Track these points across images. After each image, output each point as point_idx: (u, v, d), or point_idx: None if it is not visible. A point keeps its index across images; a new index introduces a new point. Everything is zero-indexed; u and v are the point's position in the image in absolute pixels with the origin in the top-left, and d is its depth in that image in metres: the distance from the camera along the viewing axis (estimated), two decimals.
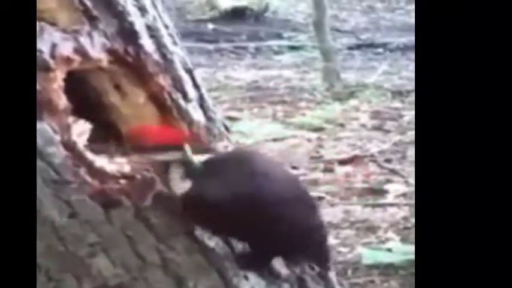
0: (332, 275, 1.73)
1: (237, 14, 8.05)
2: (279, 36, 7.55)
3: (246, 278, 1.56)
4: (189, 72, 1.68)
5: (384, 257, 2.92)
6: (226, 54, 7.06)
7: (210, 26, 7.87)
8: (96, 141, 1.59)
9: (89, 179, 1.47)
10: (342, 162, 4.08)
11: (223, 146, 1.67)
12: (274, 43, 7.31)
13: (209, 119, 1.68)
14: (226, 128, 1.74)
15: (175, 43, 1.67)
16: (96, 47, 1.54)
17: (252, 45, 7.28)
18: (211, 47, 7.17)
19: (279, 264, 1.63)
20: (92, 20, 1.54)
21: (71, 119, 1.50)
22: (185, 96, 1.64)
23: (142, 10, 1.63)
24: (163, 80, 1.61)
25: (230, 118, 4.82)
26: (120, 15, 1.58)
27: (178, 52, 1.67)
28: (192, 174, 1.48)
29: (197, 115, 1.65)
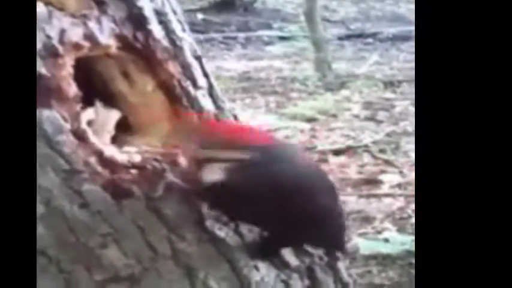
0: (341, 265, 1.72)
1: (226, 4, 8.04)
2: (269, 27, 7.54)
3: (256, 268, 1.55)
4: (198, 59, 1.65)
5: (381, 248, 2.92)
6: (216, 44, 7.04)
7: (200, 16, 7.85)
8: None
9: (99, 168, 1.45)
10: (336, 153, 4.08)
11: None
12: (264, 33, 7.30)
13: (218, 107, 1.66)
14: (235, 117, 1.72)
15: (183, 29, 1.64)
16: (105, 32, 1.51)
17: (242, 35, 7.27)
18: (201, 37, 7.13)
19: (288, 254, 1.63)
20: (101, 4, 1.52)
21: (80, 106, 1.48)
22: (195, 83, 1.62)
23: None
24: (173, 67, 1.59)
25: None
26: (128, 0, 1.55)
27: (187, 39, 1.64)
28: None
29: (206, 103, 1.62)
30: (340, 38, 7.07)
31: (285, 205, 1.46)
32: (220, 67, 6.12)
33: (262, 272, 1.56)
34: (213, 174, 1.43)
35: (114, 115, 1.58)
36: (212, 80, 1.67)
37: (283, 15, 7.86)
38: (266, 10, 8.14)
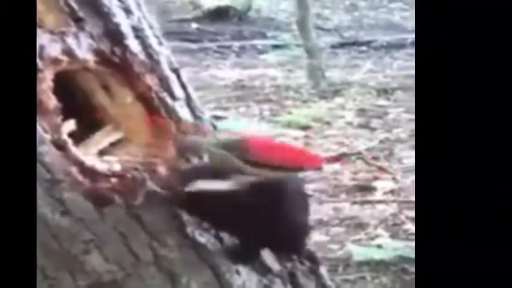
0: (323, 270, 1.74)
1: (220, 14, 8.05)
2: (263, 35, 7.56)
3: (238, 273, 1.58)
4: (175, 71, 1.70)
5: (374, 254, 2.93)
6: (210, 53, 7.06)
7: (194, 25, 7.86)
8: (84, 140, 1.59)
9: (80, 177, 1.48)
10: (330, 160, 4.09)
11: None
12: (258, 42, 7.32)
13: (197, 117, 1.70)
14: (214, 127, 1.76)
15: (160, 43, 1.69)
16: (83, 47, 1.55)
17: (236, 44, 7.29)
18: (195, 46, 7.16)
19: (270, 259, 1.64)
20: (78, 21, 1.56)
21: (60, 118, 1.51)
22: (172, 95, 1.66)
23: (127, 11, 1.65)
24: (150, 80, 1.63)
25: (216, 117, 4.82)
26: (105, 17, 1.60)
27: (164, 52, 1.69)
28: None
29: (184, 114, 1.67)
30: (334, 46, 7.08)
31: (249, 209, 1.47)
32: (214, 76, 6.14)
33: (244, 276, 1.59)
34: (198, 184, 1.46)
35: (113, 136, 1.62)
36: (190, 90, 1.71)
37: (276, 24, 7.88)
38: (260, 19, 8.15)
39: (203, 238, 1.58)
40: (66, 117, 1.52)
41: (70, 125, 1.55)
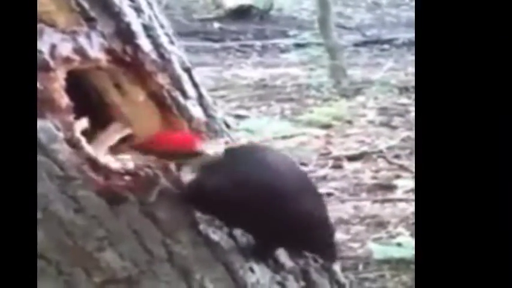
0: (336, 267, 1.75)
1: (242, 13, 8.06)
2: (285, 34, 7.55)
3: (251, 270, 1.59)
4: (187, 71, 1.71)
5: (395, 252, 2.93)
6: (232, 52, 7.07)
7: (216, 24, 7.88)
8: (96, 138, 1.61)
9: (93, 175, 1.49)
10: (351, 159, 4.09)
11: (224, 143, 1.68)
12: (280, 41, 7.32)
13: (209, 116, 1.71)
14: (227, 125, 1.77)
15: (172, 42, 1.70)
16: (95, 47, 1.56)
17: (258, 43, 7.29)
18: (217, 45, 7.17)
19: (283, 256, 1.65)
20: (90, 21, 1.57)
21: (73, 116, 1.52)
22: (184, 94, 1.67)
23: (138, 10, 1.66)
24: (162, 79, 1.64)
25: (238, 116, 4.84)
26: (116, 16, 1.61)
27: (175, 51, 1.70)
28: (205, 167, 1.50)
29: (196, 112, 1.68)
30: (356, 45, 7.07)
31: (264, 209, 1.49)
32: (237, 75, 6.15)
33: (258, 273, 1.60)
34: (187, 174, 1.49)
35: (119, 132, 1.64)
36: (202, 89, 1.72)
37: (298, 23, 7.87)
38: (282, 18, 8.15)
39: (216, 236, 1.59)
40: (79, 116, 1.54)
41: (83, 123, 1.56)
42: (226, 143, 1.66)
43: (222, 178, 1.48)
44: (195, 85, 1.71)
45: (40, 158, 1.44)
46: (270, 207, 1.49)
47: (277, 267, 1.62)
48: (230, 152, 1.53)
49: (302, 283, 1.65)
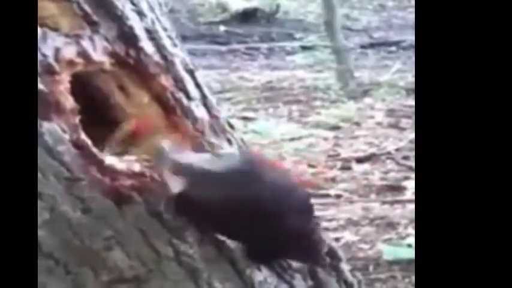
0: (344, 266, 1.75)
1: (248, 16, 8.08)
2: (291, 37, 7.57)
3: (258, 269, 1.59)
4: (190, 72, 1.72)
5: (405, 253, 2.93)
6: (239, 55, 7.08)
7: (222, 28, 7.89)
8: (103, 139, 1.62)
9: (99, 176, 1.51)
10: (360, 160, 4.09)
11: (227, 143, 1.70)
12: (286, 44, 7.33)
13: (213, 117, 1.72)
14: (231, 126, 1.77)
15: (174, 45, 1.72)
16: (98, 50, 1.58)
17: (264, 46, 7.30)
18: (224, 48, 7.19)
19: None
20: (93, 24, 1.59)
21: (78, 118, 1.54)
22: (187, 95, 1.69)
23: (141, 14, 1.67)
24: (165, 81, 1.65)
25: (246, 118, 4.85)
26: (119, 20, 1.63)
27: (178, 53, 1.71)
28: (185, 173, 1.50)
29: (200, 113, 1.69)
30: (363, 47, 7.08)
31: (251, 219, 1.48)
32: (243, 77, 6.16)
33: (265, 273, 1.59)
34: (176, 185, 1.49)
35: None
36: (206, 90, 1.74)
37: (305, 25, 7.88)
38: (288, 20, 8.16)
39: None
40: (84, 118, 1.55)
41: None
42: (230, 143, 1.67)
43: (210, 190, 1.48)
44: (198, 86, 1.72)
45: (47, 160, 1.46)
46: (256, 220, 1.47)
47: (284, 266, 1.63)
48: (219, 162, 1.51)
49: (310, 282, 1.65)
